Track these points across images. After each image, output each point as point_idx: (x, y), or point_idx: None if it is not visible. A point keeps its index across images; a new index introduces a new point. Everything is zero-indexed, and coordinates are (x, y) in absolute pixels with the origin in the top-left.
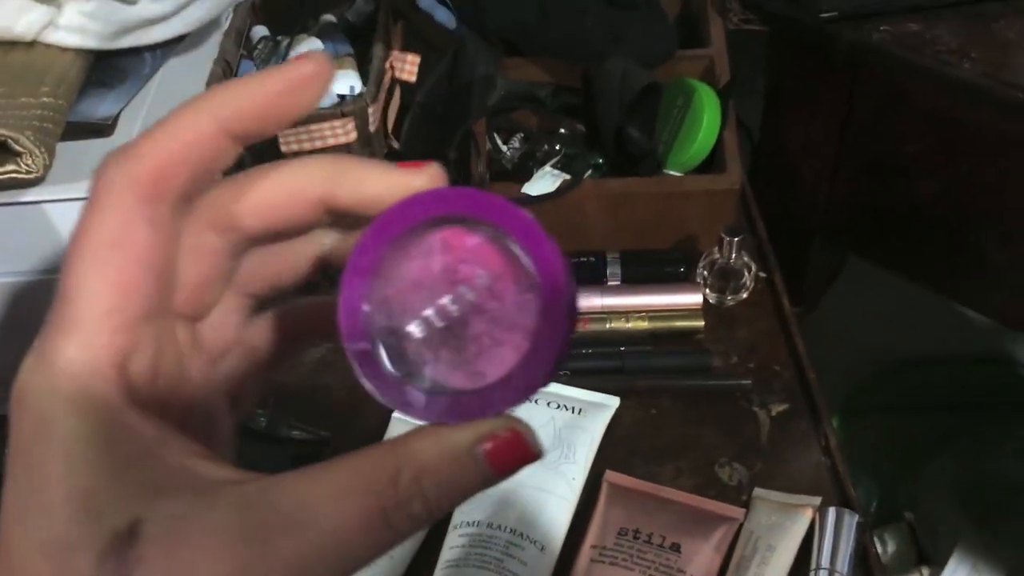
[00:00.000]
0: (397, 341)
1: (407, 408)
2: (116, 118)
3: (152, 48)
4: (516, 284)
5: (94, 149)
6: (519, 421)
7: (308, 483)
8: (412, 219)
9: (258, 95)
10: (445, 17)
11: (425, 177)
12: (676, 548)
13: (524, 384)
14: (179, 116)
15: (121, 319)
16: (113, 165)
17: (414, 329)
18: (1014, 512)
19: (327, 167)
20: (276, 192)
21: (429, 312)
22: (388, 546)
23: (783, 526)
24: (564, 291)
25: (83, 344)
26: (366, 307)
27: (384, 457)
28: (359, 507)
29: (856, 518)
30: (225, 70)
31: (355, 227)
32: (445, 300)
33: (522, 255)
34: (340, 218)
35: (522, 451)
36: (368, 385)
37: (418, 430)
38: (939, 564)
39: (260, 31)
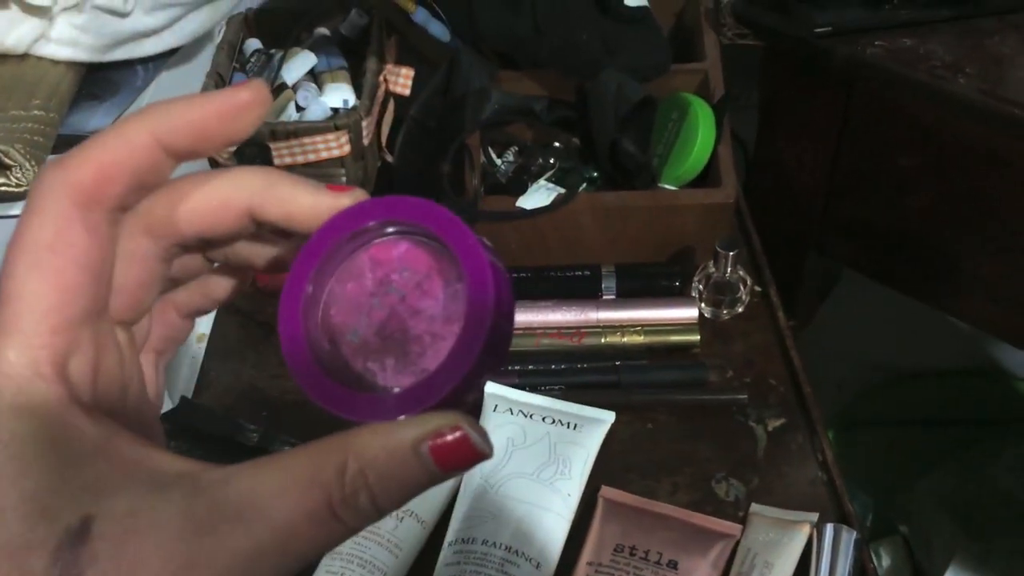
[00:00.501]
0: (344, 361)
1: (362, 416)
2: None
3: (144, 61)
4: (444, 279)
5: None
6: (467, 419)
7: (258, 474)
8: (338, 236)
9: (194, 115)
10: (439, 31)
11: (350, 197)
12: (673, 565)
13: (459, 367)
14: (117, 129)
15: (59, 320)
16: (51, 172)
17: (358, 347)
18: (1009, 526)
19: (259, 179)
20: (208, 200)
21: (368, 327)
22: (336, 540)
23: (780, 543)
24: (488, 271)
25: (22, 346)
26: (307, 335)
27: (332, 450)
28: (305, 498)
29: (854, 535)
30: (218, 83)
31: (279, 241)
32: (381, 312)
33: (447, 250)
34: (265, 231)
35: (466, 450)
36: (324, 407)
37: (368, 426)
38: None
39: (253, 44)
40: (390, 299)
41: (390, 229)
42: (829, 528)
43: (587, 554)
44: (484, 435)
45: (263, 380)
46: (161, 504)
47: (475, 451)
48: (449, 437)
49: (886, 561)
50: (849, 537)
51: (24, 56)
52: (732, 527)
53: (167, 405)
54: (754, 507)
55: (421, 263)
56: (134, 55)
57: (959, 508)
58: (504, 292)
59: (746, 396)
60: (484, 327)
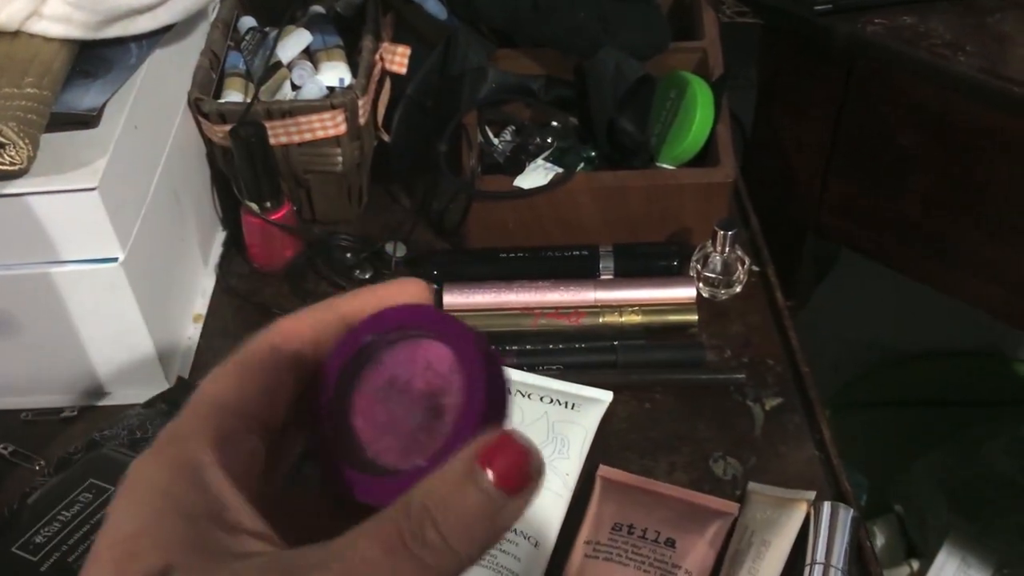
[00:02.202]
0: (375, 464)
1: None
2: (102, 109)
3: (138, 38)
4: (445, 368)
5: (79, 140)
6: (511, 429)
7: (331, 540)
8: (346, 360)
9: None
10: (436, 8)
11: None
12: (671, 543)
13: (468, 422)
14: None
15: (228, 410)
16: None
17: (386, 454)
18: (1003, 505)
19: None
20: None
21: (389, 441)
22: None
23: (778, 521)
24: (474, 346)
25: (189, 415)
26: (341, 452)
27: (397, 501)
28: (379, 534)
29: (852, 512)
30: (212, 61)
31: None
32: (405, 423)
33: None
34: None
35: (516, 452)
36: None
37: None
38: (928, 557)
39: (248, 22)
40: (395, 396)
41: (393, 336)
42: (826, 506)
43: (585, 532)
44: (529, 440)
45: None
46: (241, 565)
47: (524, 450)
48: (496, 446)
49: (880, 539)
50: (846, 515)
51: (16, 33)
52: (729, 505)
53: (163, 385)
54: (751, 486)
55: (421, 362)
56: (128, 32)
57: (954, 488)
58: (493, 357)
59: (744, 376)
60: (482, 393)
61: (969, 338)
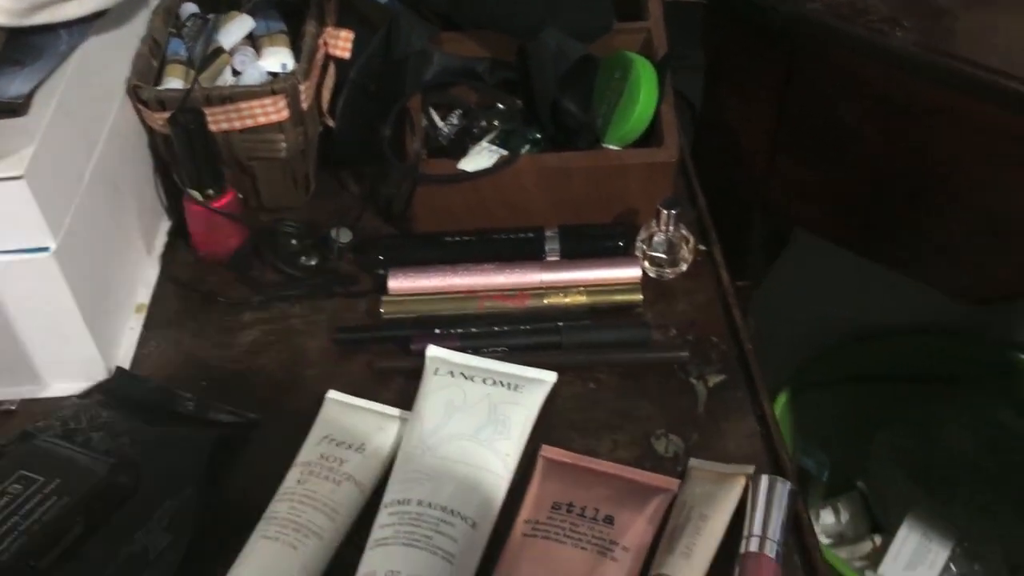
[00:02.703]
0: None
1: None
2: (30, 97)
3: (68, 25)
4: None
5: (5, 129)
6: None
7: None
8: None
9: None
10: None
11: None
12: (609, 520)
13: None
14: None
15: None
16: None
17: None
18: (962, 481)
19: None
20: None
21: None
22: None
23: (716, 495)
24: None
25: None
26: None
27: None
28: None
29: (788, 485)
30: (152, 48)
31: None
32: None
33: None
34: None
35: None
36: None
37: None
38: (891, 532)
39: (189, 8)
40: None
41: None
42: (764, 479)
43: (525, 512)
44: None
45: (203, 350)
46: None
47: None
48: None
49: (844, 516)
50: (784, 488)
51: None
52: (670, 482)
53: (103, 376)
54: (692, 462)
55: None
56: (56, 19)
57: (914, 464)
58: None
59: (687, 353)
60: None
61: (927, 316)
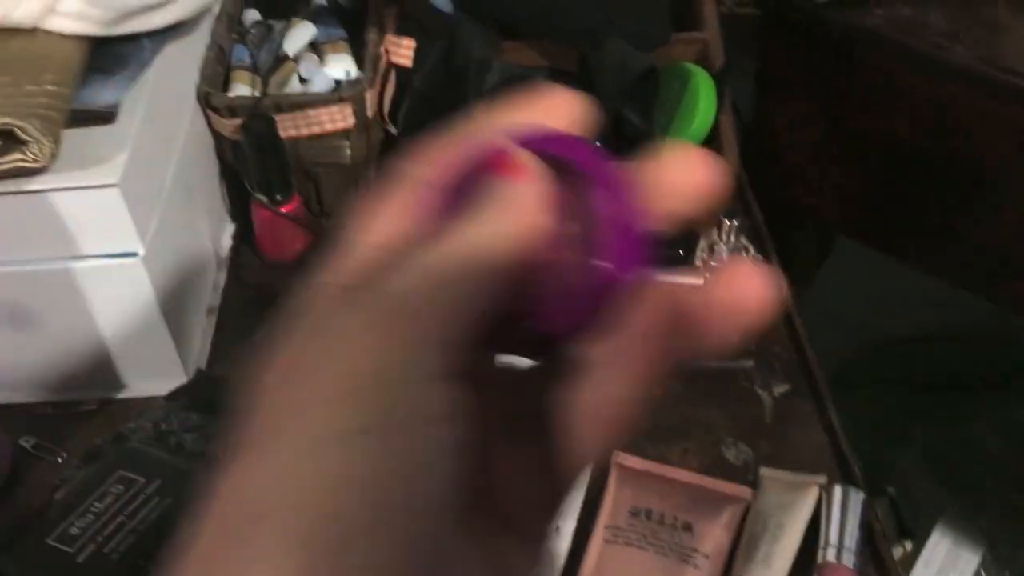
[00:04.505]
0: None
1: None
2: (119, 105)
3: (151, 34)
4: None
5: (98, 137)
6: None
7: None
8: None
9: None
10: (441, 1)
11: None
12: (688, 527)
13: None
14: None
15: None
16: None
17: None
18: (993, 486)
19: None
20: None
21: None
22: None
23: (791, 505)
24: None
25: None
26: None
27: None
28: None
29: (862, 495)
30: (218, 55)
31: None
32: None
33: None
34: None
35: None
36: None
37: None
38: (921, 538)
39: (252, 15)
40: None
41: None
42: (838, 489)
43: (604, 517)
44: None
45: None
46: None
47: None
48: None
49: None
50: (857, 497)
51: (33, 30)
52: (743, 491)
53: (180, 378)
54: (764, 471)
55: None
56: (142, 28)
57: (945, 469)
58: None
59: (752, 362)
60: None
61: (960, 322)
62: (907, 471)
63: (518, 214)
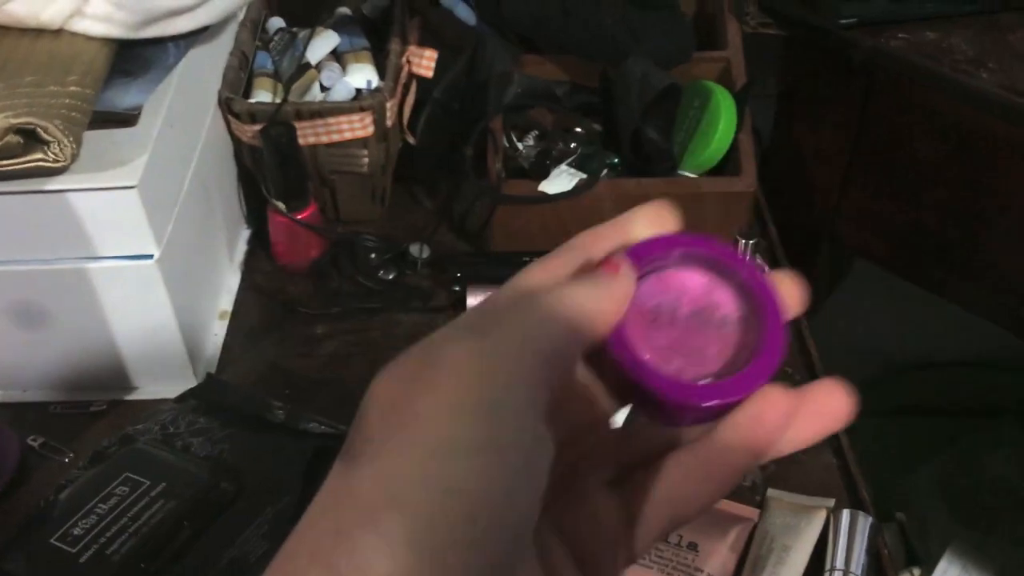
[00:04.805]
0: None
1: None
2: (141, 108)
3: (176, 38)
4: (701, 290)
5: (119, 138)
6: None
7: None
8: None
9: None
10: (465, 13)
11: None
12: (693, 547)
13: (767, 367)
14: None
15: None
16: None
17: (683, 373)
18: (1003, 514)
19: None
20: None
21: (680, 362)
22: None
23: (798, 527)
24: (778, 300)
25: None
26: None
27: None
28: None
29: (870, 520)
30: (241, 61)
31: None
32: (689, 342)
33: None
34: None
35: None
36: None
37: None
38: (930, 565)
39: (276, 22)
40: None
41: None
42: (846, 513)
43: None
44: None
45: (285, 359)
46: None
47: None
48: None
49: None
50: (865, 522)
51: (59, 32)
52: (750, 511)
53: (190, 381)
54: (771, 492)
55: (701, 286)
56: (167, 32)
57: (955, 497)
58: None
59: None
60: (781, 344)
61: (971, 348)
62: (918, 497)
63: (608, 293)
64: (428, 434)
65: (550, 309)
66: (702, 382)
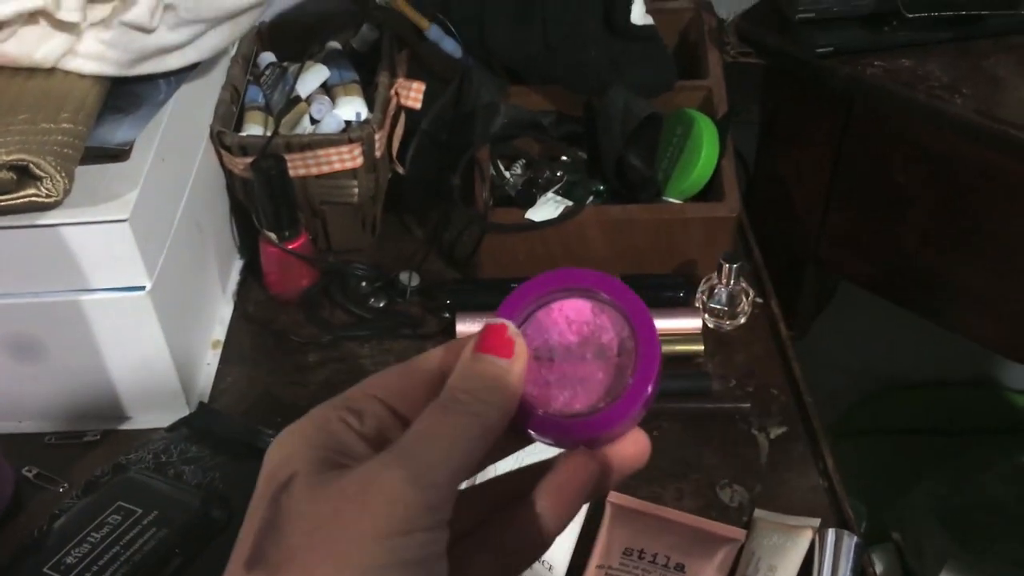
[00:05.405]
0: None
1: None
2: (132, 143)
3: (167, 75)
4: (616, 330)
5: (110, 174)
6: (499, 321)
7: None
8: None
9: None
10: (452, 47)
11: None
12: (680, 568)
13: (642, 390)
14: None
15: (359, 390)
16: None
17: (568, 406)
18: (999, 533)
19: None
20: None
21: (567, 396)
22: (475, 427)
23: (784, 547)
24: (654, 331)
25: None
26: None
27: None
28: (432, 407)
29: (855, 539)
30: (233, 95)
31: None
32: (576, 373)
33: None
34: None
35: (497, 330)
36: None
37: None
38: None
39: (267, 57)
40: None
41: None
42: (831, 533)
43: (597, 557)
44: (503, 321)
45: (277, 387)
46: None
47: (501, 328)
48: (482, 333)
49: (879, 567)
50: (850, 542)
51: (52, 70)
52: (736, 532)
53: (183, 410)
54: (758, 512)
55: (587, 316)
56: (158, 70)
57: (951, 516)
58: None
59: (749, 405)
60: (655, 370)
61: (964, 368)
62: (912, 517)
63: (503, 393)
64: (352, 554)
65: (457, 431)
66: (590, 410)
